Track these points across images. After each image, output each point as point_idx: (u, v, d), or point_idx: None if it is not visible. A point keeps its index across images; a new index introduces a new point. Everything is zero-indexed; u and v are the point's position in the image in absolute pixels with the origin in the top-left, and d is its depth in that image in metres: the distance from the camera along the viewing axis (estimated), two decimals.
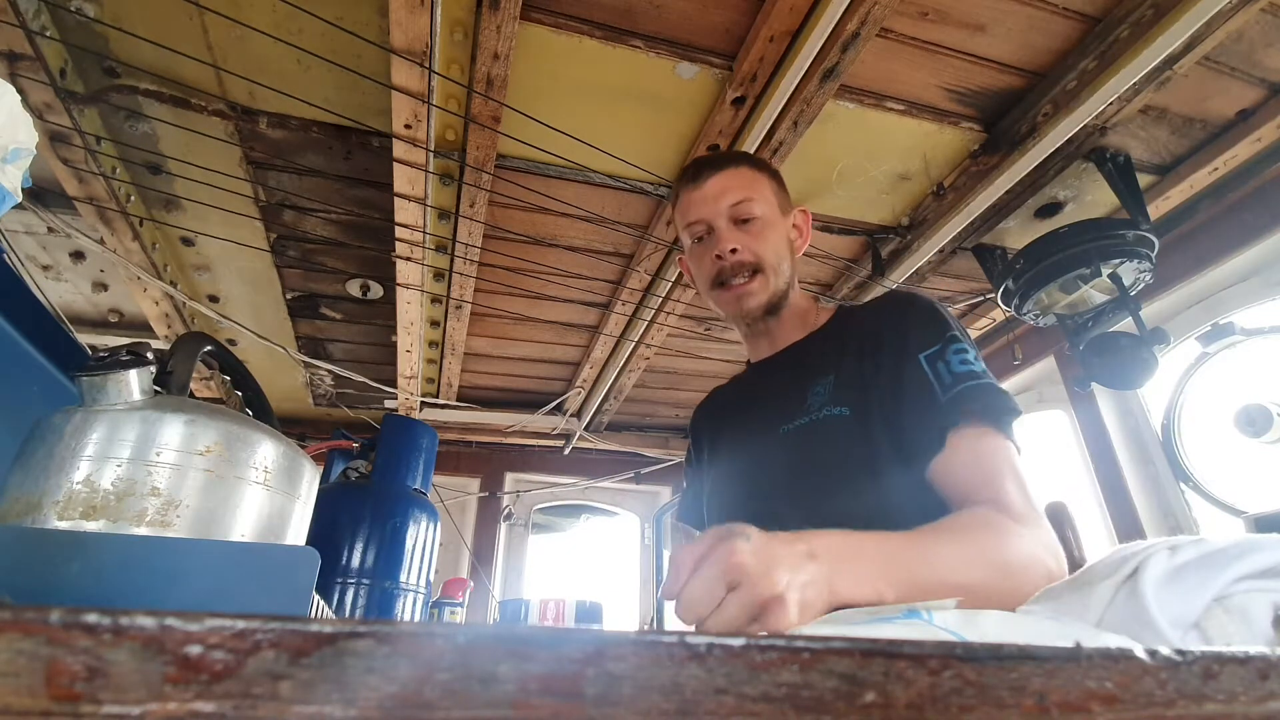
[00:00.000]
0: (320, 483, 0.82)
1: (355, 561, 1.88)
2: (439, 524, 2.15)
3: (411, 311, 2.20)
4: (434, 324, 2.37)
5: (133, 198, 1.80)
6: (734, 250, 0.98)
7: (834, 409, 0.89)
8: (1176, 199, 1.95)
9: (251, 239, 2.02)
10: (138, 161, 1.72)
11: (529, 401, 3.16)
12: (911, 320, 0.91)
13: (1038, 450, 2.41)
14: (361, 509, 1.97)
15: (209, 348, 0.79)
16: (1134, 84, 1.48)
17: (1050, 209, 1.98)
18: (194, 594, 0.56)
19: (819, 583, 0.57)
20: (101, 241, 1.86)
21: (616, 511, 3.70)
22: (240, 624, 0.19)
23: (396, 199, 1.72)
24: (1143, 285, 1.84)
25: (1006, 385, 0.90)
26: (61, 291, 2.28)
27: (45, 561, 0.52)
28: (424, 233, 1.85)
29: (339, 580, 1.85)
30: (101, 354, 0.66)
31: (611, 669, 0.21)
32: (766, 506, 0.94)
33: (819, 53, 1.38)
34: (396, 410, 2.90)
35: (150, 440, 0.62)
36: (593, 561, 3.73)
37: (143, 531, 0.59)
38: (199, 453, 0.63)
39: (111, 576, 0.53)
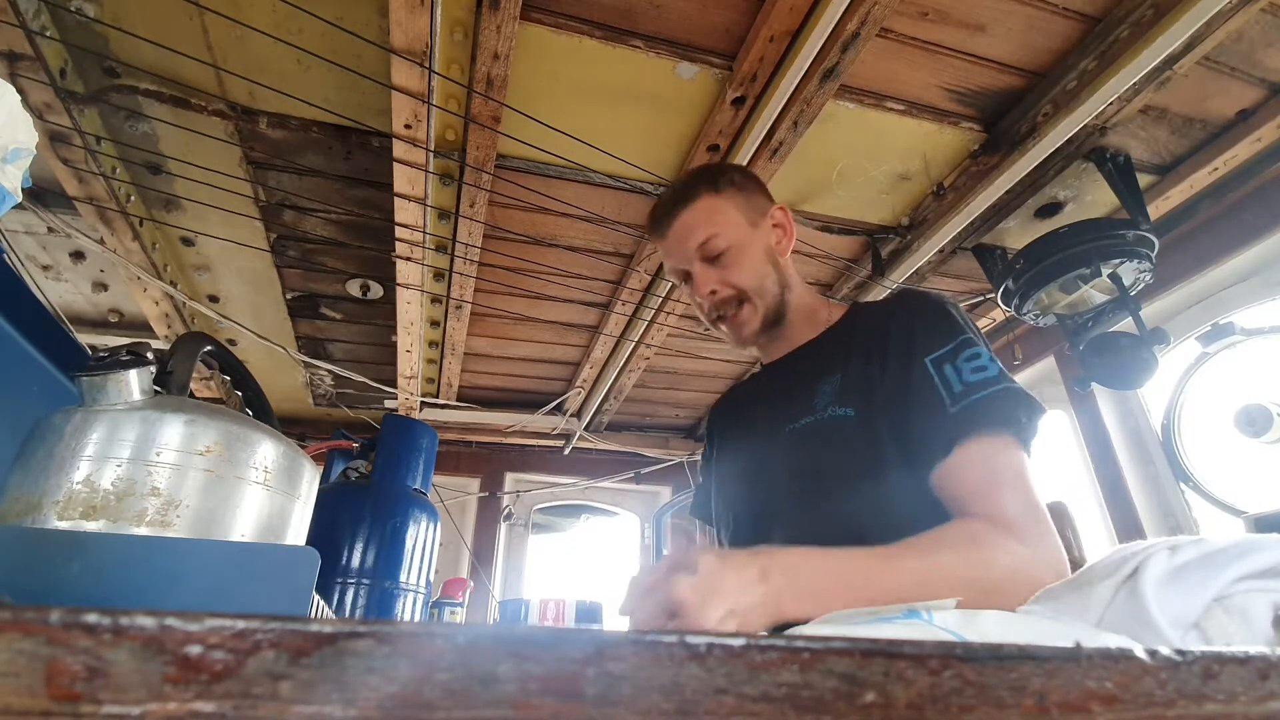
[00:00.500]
0: (320, 483, 0.82)
1: (355, 561, 1.88)
2: (439, 524, 2.16)
3: (411, 311, 2.20)
4: (434, 324, 2.37)
5: (133, 198, 1.80)
6: (713, 291, 0.99)
7: (839, 409, 0.89)
8: (1176, 199, 1.95)
9: (251, 239, 2.02)
10: (138, 161, 1.72)
11: (529, 401, 3.16)
12: (920, 321, 0.89)
13: (1038, 451, 2.40)
14: (361, 509, 1.97)
15: (209, 348, 0.79)
16: (1134, 84, 1.47)
17: (1050, 209, 1.98)
18: (194, 594, 0.56)
19: (766, 604, 0.60)
20: (101, 241, 1.86)
21: (616, 511, 3.70)
22: (240, 624, 0.19)
23: (396, 199, 1.72)
24: (1143, 285, 1.84)
25: None
26: (61, 291, 2.28)
27: (45, 561, 0.52)
28: (424, 233, 1.85)
29: (339, 580, 1.85)
30: (101, 354, 0.66)
31: (611, 669, 0.21)
32: (769, 505, 0.94)
33: (819, 53, 1.38)
34: (396, 410, 2.90)
35: (150, 440, 0.62)
36: (593, 561, 3.73)
37: (143, 531, 0.59)
38: (199, 453, 0.63)
39: (111, 576, 0.53)
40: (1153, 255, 1.77)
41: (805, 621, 0.61)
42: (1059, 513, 1.19)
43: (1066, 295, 1.86)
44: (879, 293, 2.23)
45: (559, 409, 3.18)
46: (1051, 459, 2.36)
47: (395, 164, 1.60)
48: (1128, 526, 2.06)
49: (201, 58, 1.45)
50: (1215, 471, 1.97)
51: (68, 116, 1.47)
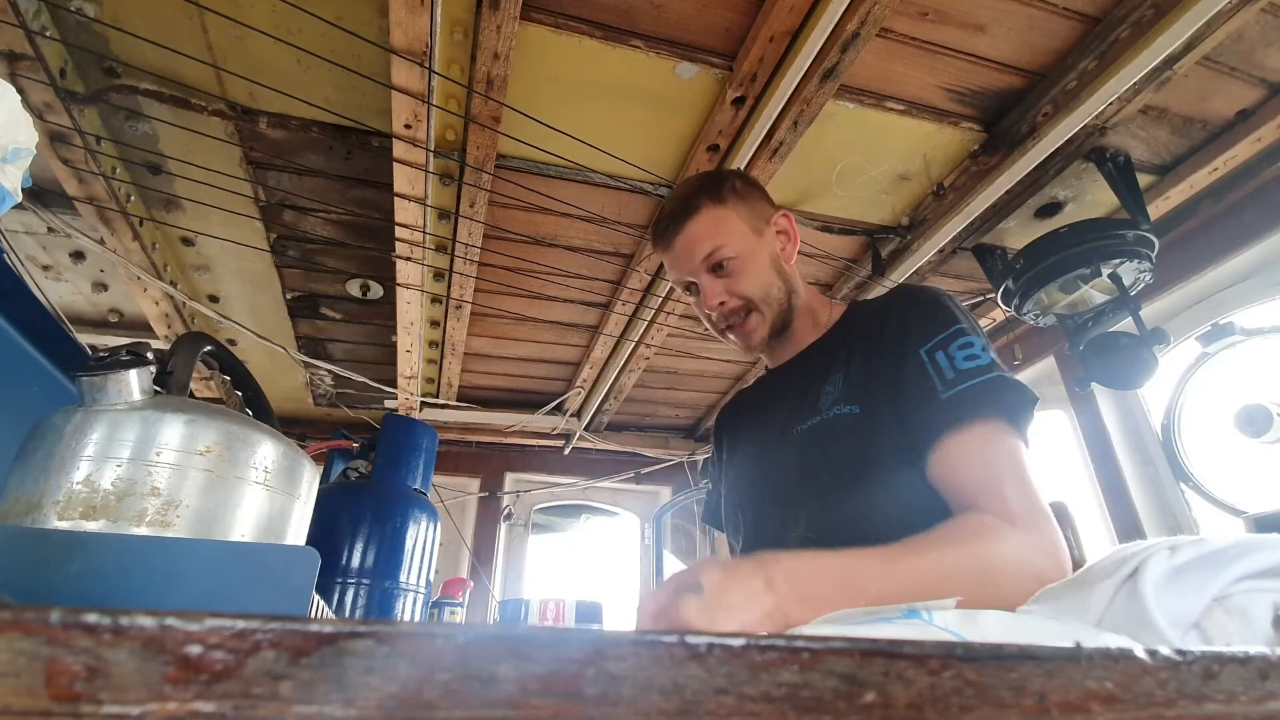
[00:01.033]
0: (320, 483, 0.82)
1: (355, 561, 1.88)
2: (439, 524, 2.15)
3: (411, 311, 2.20)
4: (434, 324, 2.37)
5: (133, 198, 1.80)
6: (721, 303, 1.00)
7: (844, 408, 0.89)
8: (1176, 199, 1.95)
9: (251, 239, 2.02)
10: (138, 161, 1.72)
11: (529, 401, 3.16)
12: (914, 313, 0.90)
13: (1038, 450, 2.40)
14: (361, 509, 1.97)
15: (209, 348, 0.79)
16: (1134, 84, 1.48)
17: (1050, 209, 1.98)
18: (194, 594, 0.56)
19: (771, 615, 0.60)
20: (101, 241, 1.86)
21: (616, 511, 3.70)
22: (240, 624, 0.19)
23: (396, 199, 1.72)
24: (1143, 285, 1.84)
25: None
26: (61, 291, 2.28)
27: (45, 561, 0.52)
28: (424, 233, 1.85)
29: (339, 580, 1.85)
30: (101, 354, 0.66)
31: (611, 669, 0.21)
32: (779, 507, 0.94)
33: (819, 53, 1.38)
34: (396, 410, 2.90)
35: (150, 440, 0.62)
36: (593, 561, 3.73)
37: (143, 531, 0.59)
38: (199, 453, 0.63)
39: (111, 576, 0.53)
40: (1153, 255, 1.77)
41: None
42: (1059, 513, 1.19)
43: (1066, 295, 1.86)
44: (879, 293, 2.23)
45: (559, 409, 3.18)
46: (1051, 459, 2.36)
47: (395, 164, 1.60)
48: (1128, 526, 2.06)
49: (201, 58, 1.45)
50: (1215, 471, 1.97)
51: (68, 116, 1.47)
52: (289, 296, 2.34)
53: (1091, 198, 1.94)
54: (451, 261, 2.00)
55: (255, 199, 1.87)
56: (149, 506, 0.60)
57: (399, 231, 1.84)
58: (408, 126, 1.51)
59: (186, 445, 0.63)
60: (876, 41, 1.45)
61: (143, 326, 2.32)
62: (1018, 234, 2.06)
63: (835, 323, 1.04)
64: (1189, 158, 1.85)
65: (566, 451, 3.46)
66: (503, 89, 1.45)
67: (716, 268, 0.99)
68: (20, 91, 1.25)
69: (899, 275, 2.15)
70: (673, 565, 3.29)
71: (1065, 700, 0.24)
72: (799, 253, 1.09)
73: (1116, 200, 1.82)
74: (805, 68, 1.41)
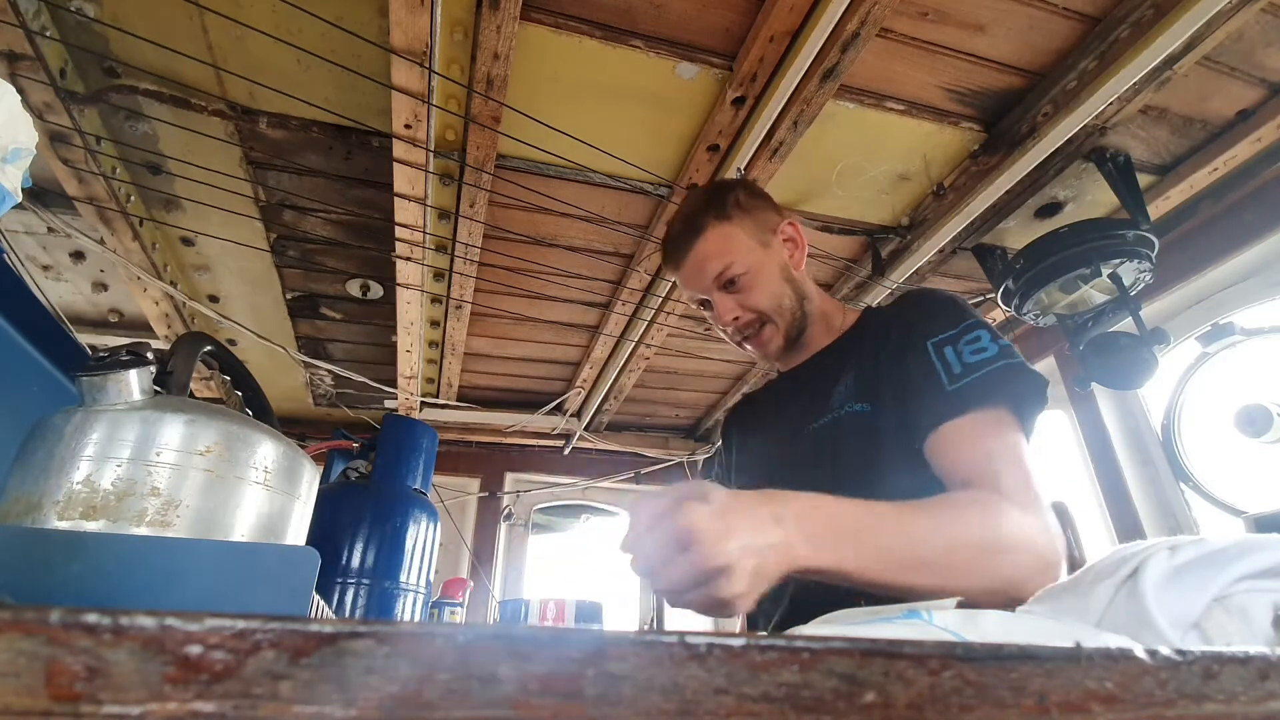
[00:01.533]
0: (320, 483, 0.82)
1: (355, 561, 1.88)
2: (439, 524, 2.15)
3: (411, 311, 2.20)
4: (434, 324, 2.37)
5: (133, 198, 1.80)
6: (735, 318, 1.01)
7: (855, 405, 0.90)
8: (1176, 199, 1.95)
9: (251, 239, 2.02)
10: (138, 161, 1.72)
11: (529, 401, 3.15)
12: (924, 310, 0.91)
13: (1038, 450, 2.40)
14: (361, 509, 1.97)
15: (209, 348, 0.79)
16: (1134, 84, 1.48)
17: (1050, 209, 1.98)
18: (194, 594, 0.56)
19: (779, 548, 0.57)
20: (101, 241, 1.86)
21: (616, 511, 3.70)
22: (240, 624, 0.19)
23: (396, 199, 1.72)
24: (1143, 285, 1.84)
25: None
26: (61, 291, 2.28)
27: (45, 561, 0.52)
28: (424, 233, 1.85)
29: (339, 580, 1.85)
30: (101, 354, 0.66)
31: (611, 669, 0.21)
32: None
33: (819, 53, 1.38)
34: (396, 410, 2.90)
35: (150, 440, 0.62)
36: (593, 561, 3.73)
37: (143, 531, 0.59)
38: (199, 453, 0.63)
39: (111, 576, 0.53)
40: (1153, 255, 1.77)
41: (815, 571, 0.60)
42: (1059, 512, 1.19)
43: (1066, 295, 1.86)
44: (879, 292, 2.23)
45: (559, 409, 3.18)
46: (1051, 459, 2.36)
47: (395, 164, 1.60)
48: (1128, 526, 2.06)
49: (201, 58, 1.45)
50: (1215, 471, 1.97)
51: (68, 116, 1.47)
52: (289, 296, 2.34)
53: (1091, 198, 1.94)
54: (451, 261, 2.00)
55: (255, 199, 1.87)
56: (149, 506, 0.60)
57: (399, 231, 1.84)
58: (408, 126, 1.51)
59: (186, 445, 0.63)
60: (876, 41, 1.45)
61: (143, 326, 2.32)
62: (1018, 234, 2.06)
63: (849, 327, 1.05)
64: (1189, 158, 1.85)
65: (566, 451, 3.46)
66: (503, 89, 1.45)
67: (728, 284, 1.01)
68: (20, 91, 1.25)
69: (899, 275, 2.15)
70: None
71: (1065, 700, 0.24)
72: None
73: (1116, 200, 1.82)
74: (805, 68, 1.41)
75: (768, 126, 1.56)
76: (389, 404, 2.96)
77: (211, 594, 0.57)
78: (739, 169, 1.67)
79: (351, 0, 1.35)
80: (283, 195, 1.86)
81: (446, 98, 1.48)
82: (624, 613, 3.43)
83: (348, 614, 1.81)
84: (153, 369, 0.67)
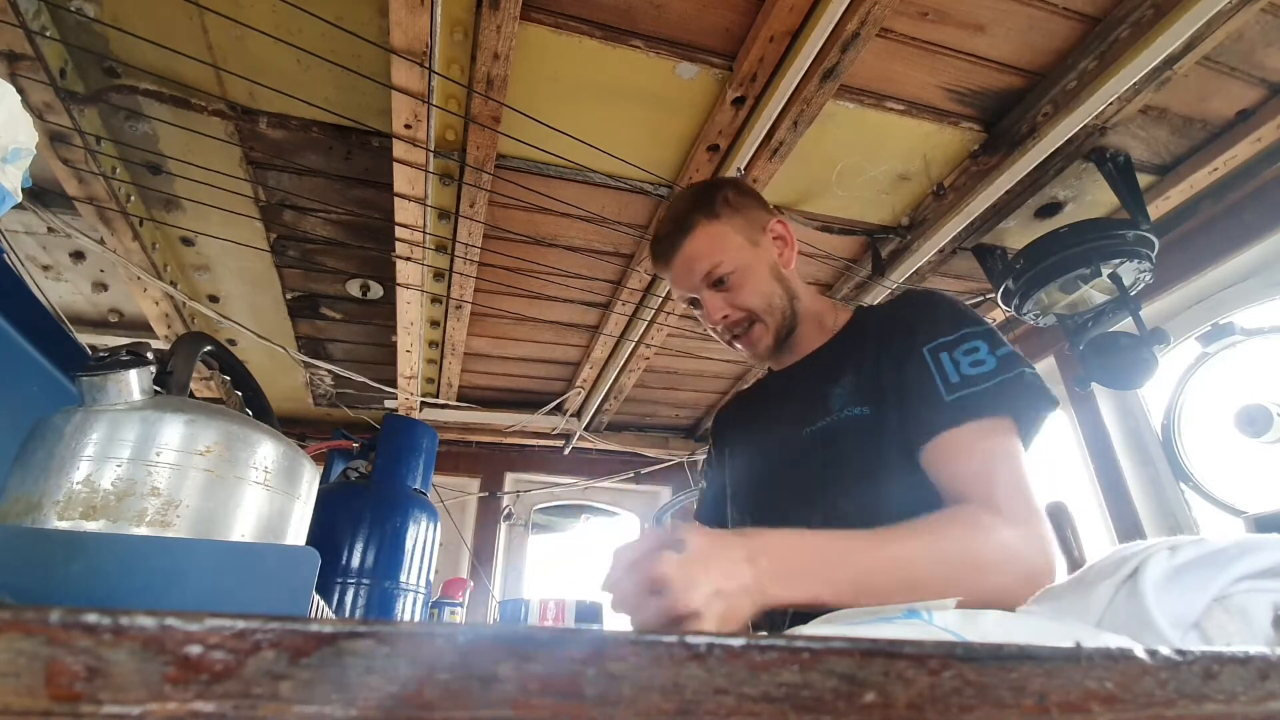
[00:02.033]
0: (320, 483, 0.82)
1: (355, 561, 1.88)
2: (439, 524, 2.15)
3: (411, 311, 2.20)
4: (434, 324, 2.37)
5: (133, 198, 1.80)
6: (724, 316, 1.01)
7: (854, 409, 0.90)
8: (1176, 199, 1.95)
9: (251, 239, 2.02)
10: (138, 161, 1.72)
11: (529, 401, 3.15)
12: (922, 314, 0.91)
13: (1037, 455, 2.40)
14: (361, 509, 1.97)
15: (209, 348, 0.79)
16: (1134, 84, 1.47)
17: (1050, 209, 1.98)
18: (194, 594, 0.56)
19: (750, 590, 0.59)
20: (101, 241, 1.86)
21: (616, 511, 3.70)
22: (240, 624, 0.19)
23: (396, 199, 1.72)
24: (1143, 285, 1.84)
25: None
26: (61, 291, 2.28)
27: (45, 561, 0.52)
28: (424, 233, 1.85)
29: (339, 580, 1.85)
30: (101, 354, 0.66)
31: (611, 669, 0.21)
32: (793, 507, 0.94)
33: (819, 53, 1.38)
34: (396, 410, 2.90)
35: (150, 440, 0.62)
36: (593, 561, 3.73)
37: (143, 531, 0.59)
38: (199, 453, 0.63)
39: (111, 576, 0.53)
40: (1153, 255, 1.77)
41: (789, 606, 0.61)
42: (1059, 512, 1.19)
43: (1066, 295, 1.86)
44: (879, 293, 2.23)
45: (559, 409, 3.18)
46: (1051, 459, 2.36)
47: (395, 164, 1.60)
48: (1128, 526, 2.06)
49: (201, 58, 1.45)
50: (1215, 471, 1.97)
51: (68, 116, 1.47)
52: (289, 296, 2.34)
53: (1091, 198, 1.94)
54: (451, 261, 2.00)
55: (255, 199, 1.87)
56: (149, 506, 0.60)
57: (399, 231, 1.84)
58: (408, 126, 1.51)
59: (186, 445, 0.63)
60: (876, 41, 1.45)
61: (143, 326, 2.32)
62: (1018, 234, 2.06)
63: (843, 327, 1.05)
64: (1189, 158, 1.85)
65: (566, 451, 3.46)
66: (503, 89, 1.45)
67: (717, 283, 1.00)
68: (20, 91, 1.25)
69: (899, 275, 2.15)
70: None
71: (1065, 700, 0.24)
72: (799, 253, 1.10)
73: (1116, 200, 1.82)
74: (805, 68, 1.41)
75: (768, 126, 1.56)
76: (389, 404, 2.96)
77: (211, 594, 0.57)
78: (739, 169, 1.67)
79: (351, 0, 1.35)
80: (283, 195, 1.86)
81: (446, 98, 1.48)
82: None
83: (348, 614, 1.81)
84: (153, 369, 0.67)
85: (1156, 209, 1.93)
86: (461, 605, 2.43)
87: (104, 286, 2.28)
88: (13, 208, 0.79)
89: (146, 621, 0.19)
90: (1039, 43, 1.50)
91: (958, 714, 0.23)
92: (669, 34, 1.46)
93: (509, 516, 3.43)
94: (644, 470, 3.55)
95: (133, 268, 1.94)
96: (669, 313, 2.32)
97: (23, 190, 0.81)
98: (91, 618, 0.18)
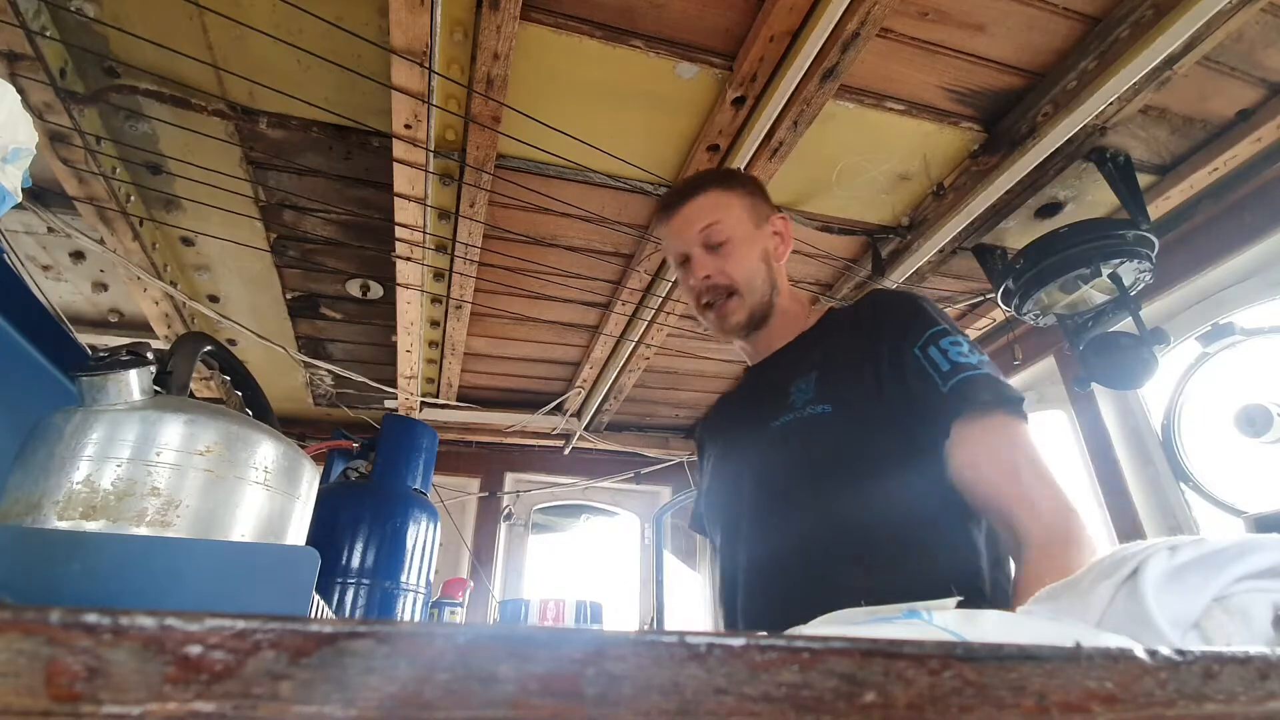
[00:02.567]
0: (320, 483, 0.82)
1: (355, 561, 1.88)
2: (439, 524, 2.15)
3: (411, 311, 2.20)
4: (434, 324, 2.37)
5: (133, 198, 1.80)
6: (707, 276, 1.03)
7: (816, 407, 0.92)
8: (1176, 199, 1.95)
9: (251, 239, 2.02)
10: (138, 161, 1.72)
11: (529, 401, 3.15)
12: (897, 315, 0.93)
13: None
14: (361, 509, 1.97)
15: (209, 348, 0.79)
16: (1134, 84, 1.47)
17: (1050, 209, 1.98)
18: (194, 594, 0.56)
19: None
20: (101, 241, 1.86)
21: (616, 511, 3.70)
22: (240, 624, 0.19)
23: (396, 199, 1.72)
24: (1143, 285, 1.84)
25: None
26: (61, 291, 2.28)
27: (45, 561, 0.52)
28: (424, 233, 1.85)
29: (339, 580, 1.85)
30: (101, 354, 0.66)
31: (611, 669, 0.21)
32: (764, 499, 0.96)
33: (819, 53, 1.38)
34: (396, 410, 2.90)
35: (150, 440, 0.62)
36: (593, 561, 3.73)
37: (143, 531, 0.59)
38: (199, 453, 0.63)
39: (111, 576, 0.53)
40: (1153, 255, 1.77)
41: None
42: None
43: (1066, 295, 1.86)
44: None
45: (559, 409, 3.18)
46: (1052, 459, 2.35)
47: (395, 164, 1.60)
48: (1128, 526, 2.06)
49: (201, 58, 1.45)
50: (1215, 471, 1.97)
51: (68, 116, 1.47)
52: (289, 296, 2.34)
53: (1091, 198, 1.94)
54: (451, 261, 2.00)
55: (255, 199, 1.87)
56: (149, 506, 0.60)
57: (399, 231, 1.84)
58: (408, 126, 1.51)
59: (186, 445, 0.63)
60: (876, 41, 1.45)
61: (143, 326, 2.32)
62: (1018, 234, 2.06)
63: (810, 327, 1.07)
64: (1189, 158, 1.85)
65: (566, 451, 3.46)
66: (503, 89, 1.45)
67: (711, 245, 1.03)
68: (20, 91, 1.25)
69: (899, 275, 2.15)
70: (673, 565, 3.29)
71: (1065, 700, 0.24)
72: (800, 253, 1.11)
73: (1116, 200, 1.82)
74: (805, 68, 1.41)
75: (768, 126, 1.56)
76: (389, 404, 2.96)
77: (211, 594, 0.57)
78: (739, 169, 1.67)
79: (351, 0, 1.35)
80: (283, 195, 1.86)
81: (446, 98, 1.48)
82: (624, 613, 3.43)
83: (348, 614, 1.81)
84: (153, 369, 0.67)
85: (1156, 209, 1.93)
86: (461, 605, 2.43)
87: (104, 286, 2.28)
88: (13, 208, 0.79)
89: (146, 621, 0.19)
90: (1039, 43, 1.50)
91: (958, 714, 0.23)
92: (669, 34, 1.46)
93: (509, 516, 3.43)
94: (644, 470, 3.55)
95: (133, 268, 1.94)
96: (669, 313, 2.32)
97: (23, 190, 0.81)
98: (91, 618, 0.18)
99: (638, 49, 1.46)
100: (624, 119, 1.65)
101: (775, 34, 1.37)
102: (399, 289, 2.08)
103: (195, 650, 0.19)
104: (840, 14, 1.29)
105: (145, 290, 2.07)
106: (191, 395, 0.71)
